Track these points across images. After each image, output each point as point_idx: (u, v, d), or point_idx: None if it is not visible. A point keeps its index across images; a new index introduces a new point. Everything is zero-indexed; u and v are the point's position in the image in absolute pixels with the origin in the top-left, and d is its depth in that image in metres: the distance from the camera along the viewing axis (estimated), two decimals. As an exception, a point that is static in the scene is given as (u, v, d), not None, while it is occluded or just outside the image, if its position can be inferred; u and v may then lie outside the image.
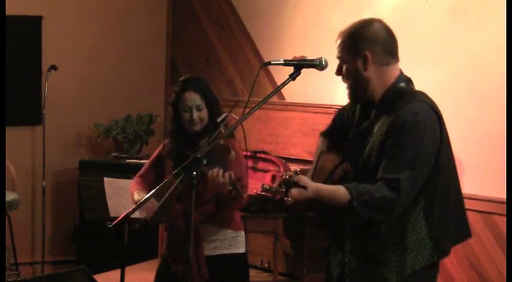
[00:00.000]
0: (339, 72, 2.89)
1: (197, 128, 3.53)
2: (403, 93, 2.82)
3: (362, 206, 2.70)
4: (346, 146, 2.95)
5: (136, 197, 3.58)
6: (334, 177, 2.86)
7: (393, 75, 2.85)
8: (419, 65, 4.93)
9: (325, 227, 3.02)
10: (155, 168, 3.72)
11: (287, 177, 2.68)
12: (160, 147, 3.75)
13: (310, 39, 5.80)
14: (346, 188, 2.73)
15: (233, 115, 3.44)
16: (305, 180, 2.73)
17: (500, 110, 4.58)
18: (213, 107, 3.57)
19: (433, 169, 2.76)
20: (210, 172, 3.20)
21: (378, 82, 2.83)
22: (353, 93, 2.89)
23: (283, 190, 2.69)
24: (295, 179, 2.68)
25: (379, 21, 2.89)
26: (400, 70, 2.88)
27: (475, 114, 4.79)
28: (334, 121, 3.13)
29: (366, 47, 2.81)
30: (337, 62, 2.88)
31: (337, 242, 2.93)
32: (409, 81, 2.89)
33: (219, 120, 3.41)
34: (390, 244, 2.78)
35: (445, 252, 2.85)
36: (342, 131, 3.02)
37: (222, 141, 3.29)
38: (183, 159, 3.05)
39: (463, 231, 2.92)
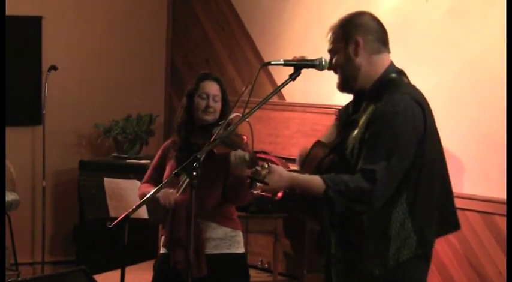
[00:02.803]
0: (330, 66, 2.90)
1: (209, 118, 3.57)
2: (391, 83, 2.82)
3: (337, 196, 2.70)
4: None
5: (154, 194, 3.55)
6: (321, 168, 2.87)
7: (384, 64, 2.86)
8: (419, 65, 4.94)
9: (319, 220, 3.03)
10: (157, 172, 3.73)
11: (254, 170, 2.73)
12: (160, 152, 3.77)
13: (310, 39, 5.80)
14: (322, 178, 2.74)
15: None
16: (278, 170, 2.75)
17: (500, 110, 4.58)
18: (226, 104, 3.66)
19: (415, 160, 2.75)
20: (232, 153, 3.25)
21: (369, 70, 2.84)
22: (344, 82, 2.89)
23: (249, 182, 2.74)
24: (261, 173, 2.71)
25: (369, 13, 2.93)
26: (391, 61, 2.88)
27: (475, 114, 4.79)
28: (337, 117, 3.14)
29: (357, 33, 2.85)
30: None
31: (326, 234, 2.95)
32: (401, 72, 2.89)
33: (230, 117, 3.45)
34: (373, 235, 2.78)
35: (429, 244, 2.85)
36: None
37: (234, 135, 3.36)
38: (188, 149, 3.10)
39: (449, 224, 2.91)
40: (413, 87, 2.86)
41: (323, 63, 2.91)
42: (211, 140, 3.11)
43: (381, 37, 2.87)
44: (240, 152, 3.24)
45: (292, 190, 2.83)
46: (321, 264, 3.11)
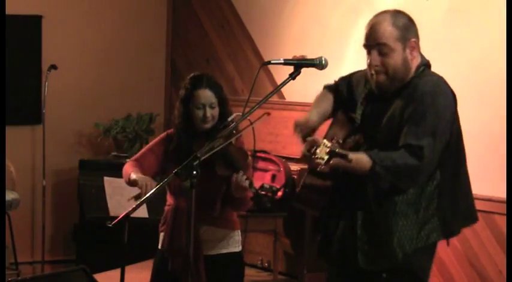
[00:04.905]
0: (375, 61, 2.86)
1: (208, 125, 3.52)
2: (422, 74, 2.90)
3: (384, 171, 2.73)
4: (351, 117, 2.98)
5: (133, 176, 3.47)
6: (345, 147, 2.87)
7: (418, 59, 2.95)
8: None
9: (326, 196, 3.01)
10: (152, 155, 3.65)
11: (334, 148, 2.64)
12: (162, 136, 3.68)
13: (310, 38, 5.80)
14: (368, 154, 2.76)
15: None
16: (351, 153, 2.73)
17: (500, 109, 4.59)
18: (225, 105, 3.57)
19: (452, 144, 2.81)
20: (234, 177, 3.28)
21: (414, 68, 2.89)
22: (391, 82, 2.89)
23: (325, 158, 2.65)
24: (346, 153, 2.66)
25: (400, 11, 2.97)
26: (420, 54, 2.97)
27: (475, 113, 4.79)
28: (340, 86, 3.15)
29: (412, 35, 2.90)
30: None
31: (346, 214, 2.93)
32: (427, 64, 2.97)
33: (229, 119, 3.43)
34: (402, 217, 2.79)
35: (454, 233, 2.88)
36: (348, 98, 3.07)
37: (233, 141, 3.33)
38: (189, 156, 3.09)
39: (472, 215, 2.95)
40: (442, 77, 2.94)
41: (323, 62, 2.92)
42: (212, 140, 3.11)
43: (418, 34, 2.95)
44: (240, 180, 3.26)
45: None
46: (319, 264, 3.12)
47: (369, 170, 2.73)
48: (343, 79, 3.15)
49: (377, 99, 2.94)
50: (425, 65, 2.95)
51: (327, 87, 3.16)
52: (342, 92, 3.11)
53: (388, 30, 2.86)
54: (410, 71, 2.89)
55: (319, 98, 3.13)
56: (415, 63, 2.91)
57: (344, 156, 2.64)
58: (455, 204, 2.85)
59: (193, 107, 3.52)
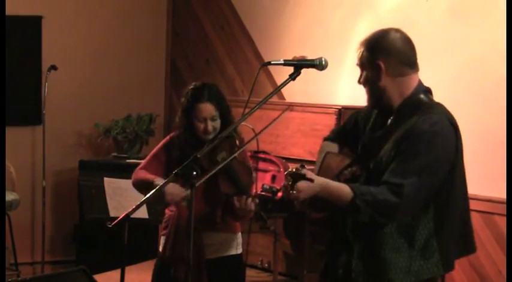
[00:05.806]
0: (360, 79, 2.91)
1: (210, 137, 3.51)
2: (422, 104, 2.84)
3: (364, 205, 2.72)
4: (355, 149, 2.97)
5: (158, 181, 3.45)
6: (340, 178, 2.87)
7: (411, 85, 2.87)
8: (419, 65, 4.93)
9: (328, 228, 3.02)
10: (157, 161, 3.65)
11: (294, 170, 2.69)
12: (165, 141, 3.68)
13: (310, 39, 5.80)
14: (350, 186, 2.76)
15: (246, 124, 3.41)
16: (311, 174, 2.75)
17: (500, 110, 4.58)
18: (226, 115, 3.56)
19: (446, 181, 2.77)
20: (236, 201, 3.32)
21: (395, 92, 2.84)
22: (370, 99, 2.92)
23: (290, 183, 2.70)
24: (303, 171, 2.69)
25: (397, 30, 2.90)
26: (419, 80, 2.90)
27: (475, 114, 4.79)
28: (345, 124, 3.16)
29: (380, 57, 2.83)
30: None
31: (344, 245, 2.92)
32: (428, 91, 2.91)
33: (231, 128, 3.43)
34: (394, 249, 2.78)
35: (451, 267, 2.86)
36: (353, 133, 3.05)
37: (237, 155, 3.32)
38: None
39: (468, 245, 2.93)
40: (444, 107, 2.88)
41: (323, 63, 2.91)
42: (211, 142, 3.11)
43: (406, 59, 2.87)
44: (245, 203, 3.29)
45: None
46: (319, 265, 3.11)
47: (350, 202, 2.73)
48: (351, 115, 3.15)
49: (375, 128, 2.93)
50: (425, 91, 2.88)
51: (328, 139, 3.16)
52: (347, 127, 3.11)
53: (360, 52, 2.88)
54: (385, 92, 2.83)
55: (325, 148, 3.12)
56: (392, 86, 2.82)
57: (303, 176, 2.68)
58: (454, 238, 2.85)
59: (194, 119, 3.51)
